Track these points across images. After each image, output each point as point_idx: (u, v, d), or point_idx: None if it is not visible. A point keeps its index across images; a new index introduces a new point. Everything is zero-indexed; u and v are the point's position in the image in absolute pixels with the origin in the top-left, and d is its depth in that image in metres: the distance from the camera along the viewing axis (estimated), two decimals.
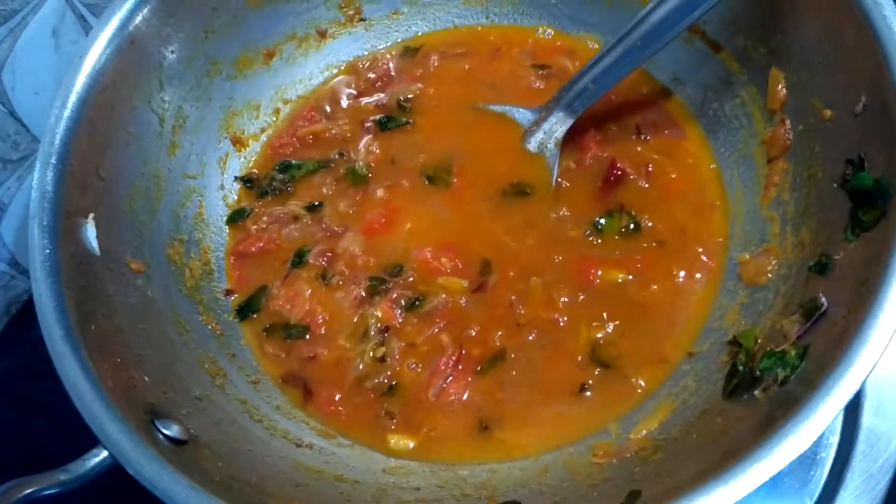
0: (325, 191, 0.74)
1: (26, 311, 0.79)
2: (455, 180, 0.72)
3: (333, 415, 0.63)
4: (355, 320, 0.66)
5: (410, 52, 0.81)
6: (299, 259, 0.70)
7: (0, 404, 0.75)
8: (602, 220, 0.66)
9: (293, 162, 0.76)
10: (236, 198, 0.76)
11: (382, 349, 0.64)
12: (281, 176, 0.76)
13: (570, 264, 0.65)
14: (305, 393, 0.65)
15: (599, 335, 0.62)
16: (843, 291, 0.48)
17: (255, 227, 0.73)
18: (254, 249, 0.72)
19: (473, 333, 0.64)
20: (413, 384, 0.63)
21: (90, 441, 0.49)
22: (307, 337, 0.67)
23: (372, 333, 0.65)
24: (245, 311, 0.69)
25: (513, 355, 0.62)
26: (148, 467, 0.47)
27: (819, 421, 0.41)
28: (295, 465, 0.58)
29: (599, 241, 0.66)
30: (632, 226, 0.66)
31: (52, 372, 0.51)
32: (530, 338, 0.63)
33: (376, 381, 0.63)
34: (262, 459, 0.57)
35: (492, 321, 0.64)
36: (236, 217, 0.74)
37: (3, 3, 0.65)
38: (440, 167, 0.72)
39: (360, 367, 0.64)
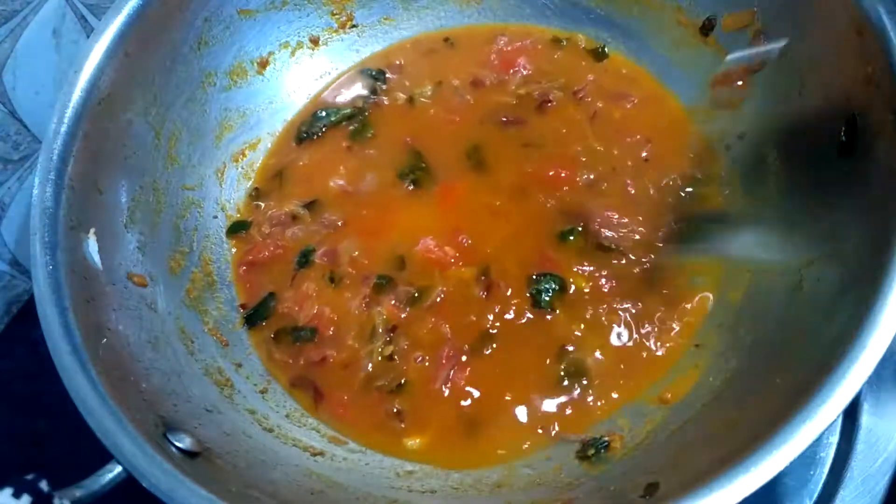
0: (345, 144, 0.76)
1: (27, 311, 0.79)
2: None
3: (343, 417, 0.64)
4: (363, 320, 0.66)
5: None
6: (305, 259, 0.71)
7: (1, 403, 0.74)
8: None
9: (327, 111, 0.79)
10: (236, 208, 0.76)
11: (391, 347, 0.64)
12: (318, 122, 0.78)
13: None
14: (316, 396, 0.65)
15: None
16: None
17: (260, 234, 0.73)
18: (262, 257, 0.72)
19: (474, 318, 0.65)
20: (420, 379, 0.63)
21: (91, 440, 0.49)
22: (316, 340, 0.67)
23: (380, 331, 0.65)
24: (254, 318, 0.69)
25: (495, 344, 0.64)
26: (164, 480, 0.47)
27: (836, 403, 0.42)
28: (308, 473, 0.57)
29: None
30: None
31: (53, 371, 0.51)
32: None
33: (385, 381, 0.64)
34: (275, 468, 0.57)
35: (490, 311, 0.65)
36: (237, 228, 0.74)
37: (4, 3, 0.65)
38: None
39: (370, 367, 0.64)
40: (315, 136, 0.78)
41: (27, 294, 0.79)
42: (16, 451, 0.71)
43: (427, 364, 0.64)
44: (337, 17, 0.81)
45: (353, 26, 0.82)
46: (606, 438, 0.57)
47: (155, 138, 0.69)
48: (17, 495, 0.42)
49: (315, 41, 0.81)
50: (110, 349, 0.56)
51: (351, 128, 0.78)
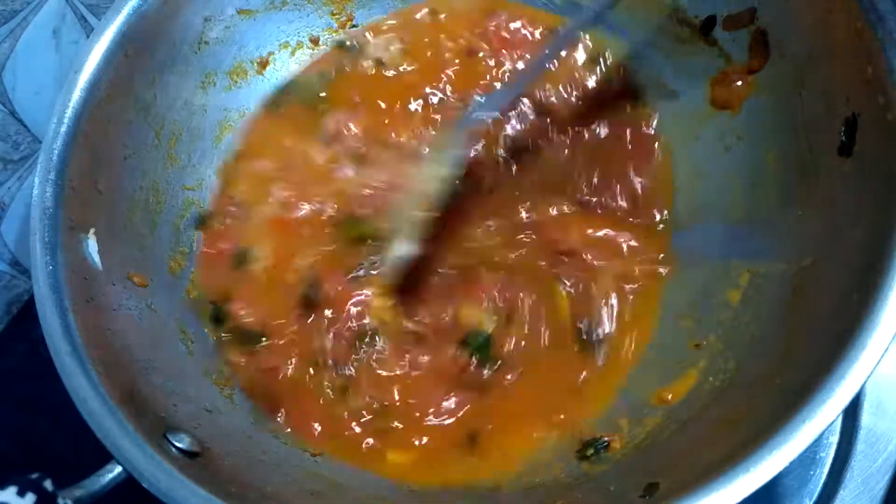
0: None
1: (27, 311, 0.79)
2: None
3: (308, 431, 0.62)
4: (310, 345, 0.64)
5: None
6: (245, 256, 0.69)
7: (2, 403, 0.75)
8: None
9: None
10: None
11: (343, 380, 0.63)
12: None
13: None
14: (271, 408, 0.62)
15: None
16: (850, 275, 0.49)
17: (220, 224, 0.72)
18: (217, 251, 0.71)
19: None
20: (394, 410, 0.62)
21: (91, 440, 0.49)
22: (267, 345, 0.65)
23: (329, 363, 0.64)
24: (217, 318, 0.67)
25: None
26: (164, 481, 0.47)
27: (836, 403, 0.42)
28: (308, 474, 0.58)
29: None
30: None
31: (53, 372, 0.52)
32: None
33: (347, 408, 0.62)
34: (276, 469, 0.57)
35: None
36: (204, 219, 0.72)
37: (4, 3, 0.65)
38: None
39: (329, 392, 0.63)
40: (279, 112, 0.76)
41: (27, 294, 0.79)
42: (16, 450, 0.71)
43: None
44: (337, 17, 0.80)
45: (353, 26, 0.81)
46: (606, 438, 0.57)
47: (155, 138, 0.69)
48: (21, 494, 0.43)
49: (315, 41, 0.81)
50: (111, 349, 0.56)
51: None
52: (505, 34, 0.76)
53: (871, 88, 0.52)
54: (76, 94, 0.61)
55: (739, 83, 0.66)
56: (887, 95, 0.50)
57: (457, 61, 0.75)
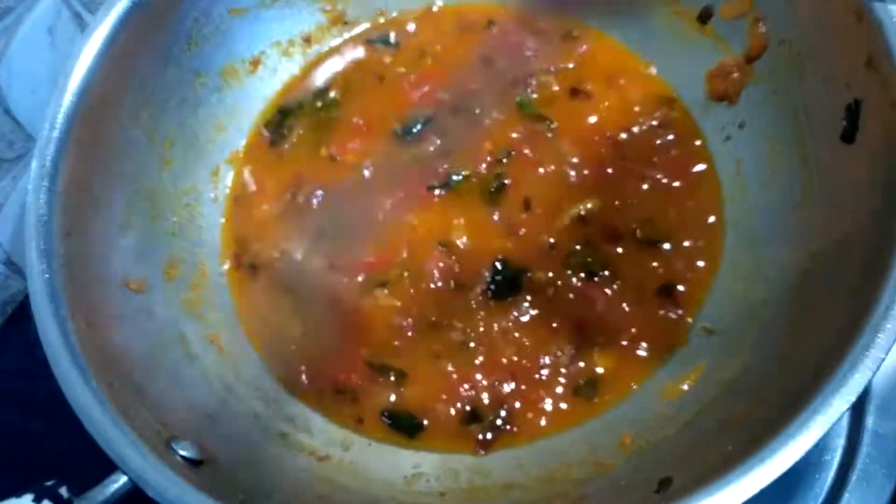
0: None
1: (22, 311, 0.78)
2: None
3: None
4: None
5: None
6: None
7: None
8: None
9: None
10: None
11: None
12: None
13: None
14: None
15: None
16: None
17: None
18: None
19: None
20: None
21: (88, 440, 0.48)
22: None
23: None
24: None
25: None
26: (170, 489, 0.46)
27: (850, 390, 0.42)
28: (314, 478, 0.57)
29: None
30: None
31: (49, 371, 0.51)
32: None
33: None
34: (281, 473, 0.56)
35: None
36: None
37: None
38: None
39: None
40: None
41: (22, 294, 0.78)
42: (11, 449, 0.70)
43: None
44: (329, 13, 0.80)
45: (346, 23, 0.81)
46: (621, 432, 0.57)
47: (148, 142, 0.68)
48: (37, 501, 0.43)
49: (307, 39, 0.80)
50: (110, 357, 0.55)
51: None
52: None
53: (872, 74, 0.52)
54: (67, 99, 0.60)
55: (737, 73, 0.66)
56: (889, 80, 0.50)
57: None
